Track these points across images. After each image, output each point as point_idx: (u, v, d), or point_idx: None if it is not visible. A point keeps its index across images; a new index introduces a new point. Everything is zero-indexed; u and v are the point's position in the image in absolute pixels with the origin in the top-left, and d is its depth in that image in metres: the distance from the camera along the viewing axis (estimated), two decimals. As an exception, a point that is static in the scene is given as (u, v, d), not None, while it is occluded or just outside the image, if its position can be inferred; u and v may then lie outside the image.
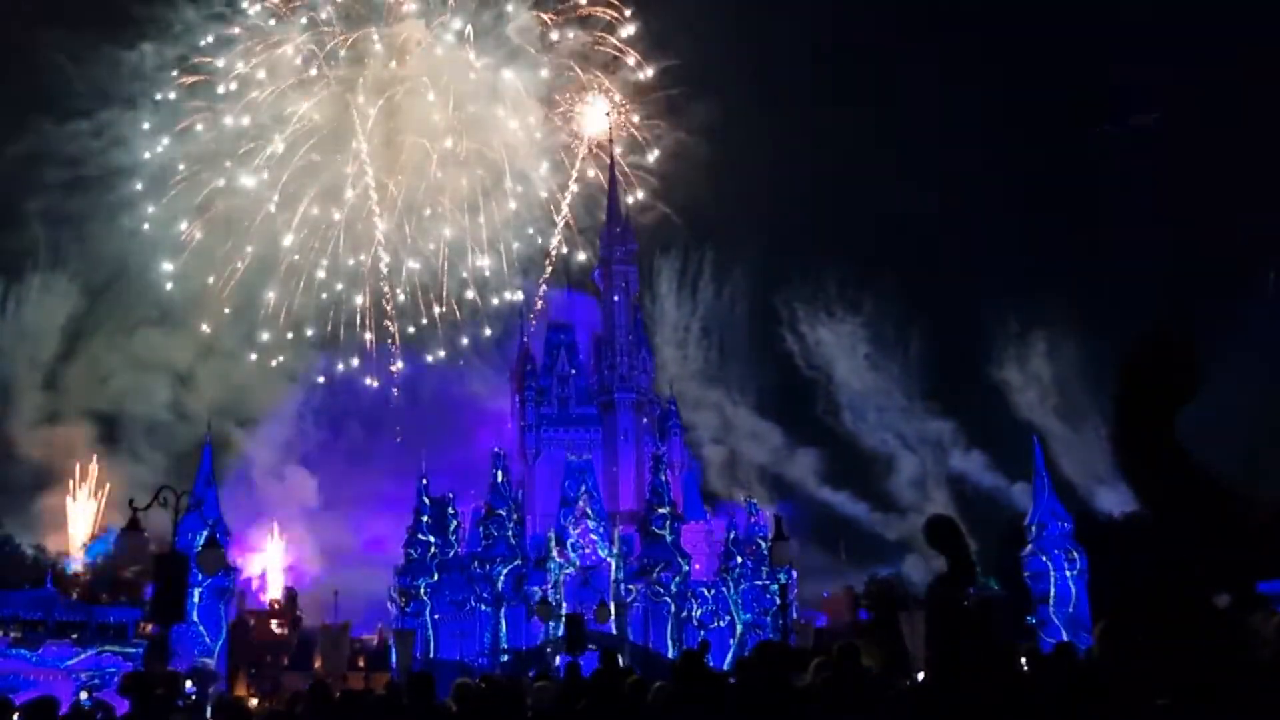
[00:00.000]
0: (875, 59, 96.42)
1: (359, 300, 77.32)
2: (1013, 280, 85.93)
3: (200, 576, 40.46)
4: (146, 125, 76.17)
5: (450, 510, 60.63)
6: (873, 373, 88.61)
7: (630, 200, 74.10)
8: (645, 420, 66.78)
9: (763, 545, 54.32)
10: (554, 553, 55.76)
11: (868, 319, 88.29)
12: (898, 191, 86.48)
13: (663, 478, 59.16)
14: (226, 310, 77.98)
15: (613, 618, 47.34)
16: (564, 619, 36.32)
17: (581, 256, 75.35)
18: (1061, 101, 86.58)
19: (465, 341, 78.04)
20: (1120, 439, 3.01)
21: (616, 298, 68.03)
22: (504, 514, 57.31)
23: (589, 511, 57.08)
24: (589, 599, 48.19)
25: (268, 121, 75.14)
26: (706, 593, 58.20)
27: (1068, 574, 54.62)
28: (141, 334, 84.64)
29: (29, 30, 78.68)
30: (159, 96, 75.26)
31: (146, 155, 75.94)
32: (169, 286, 77.84)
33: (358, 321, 77.62)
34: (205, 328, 79.86)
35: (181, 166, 75.50)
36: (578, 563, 55.94)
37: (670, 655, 49.24)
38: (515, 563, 56.67)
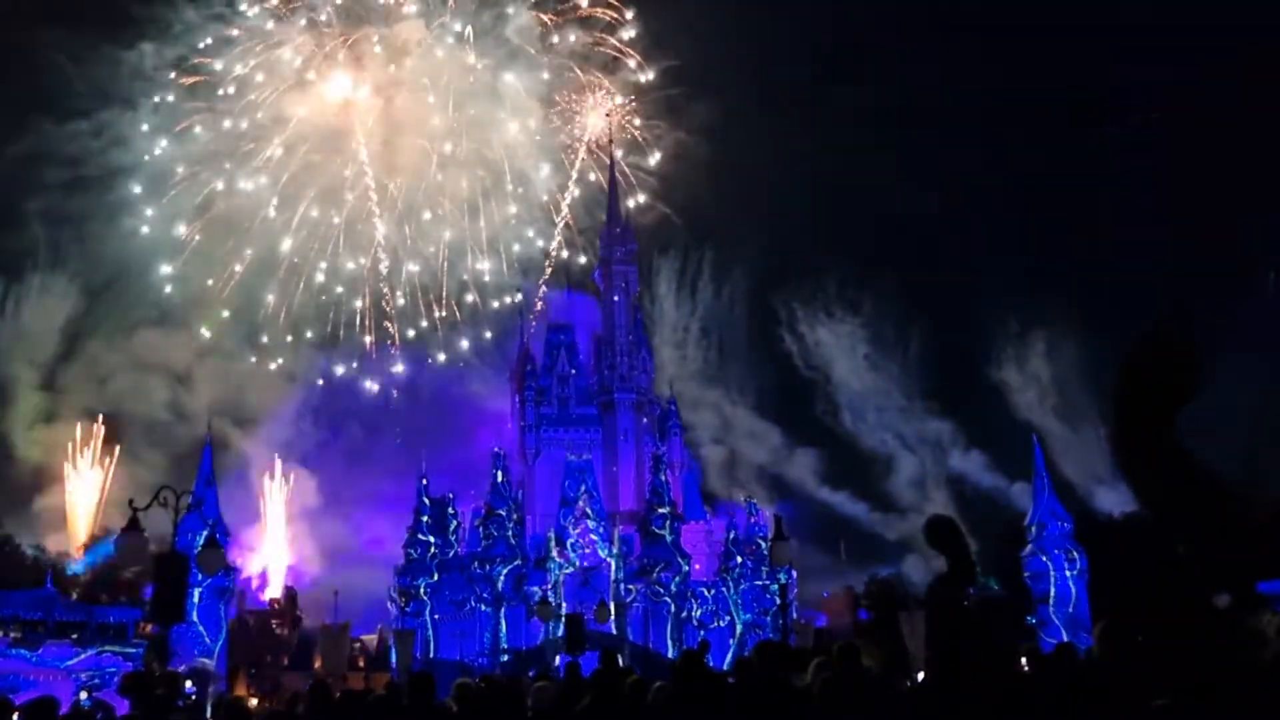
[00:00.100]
0: (875, 59, 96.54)
1: (359, 303, 77.39)
2: (1012, 280, 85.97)
3: (200, 576, 40.43)
4: (145, 127, 76.28)
5: (450, 510, 60.64)
6: (872, 373, 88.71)
7: (631, 204, 74.19)
8: (645, 420, 66.80)
9: (762, 545, 54.30)
10: (554, 553, 55.77)
11: (867, 319, 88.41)
12: (898, 191, 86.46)
13: (663, 478, 59.17)
14: (225, 313, 78.14)
15: (613, 618, 47.33)
16: (564, 619, 36.28)
17: (582, 258, 75.44)
18: (1061, 101, 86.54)
19: (465, 345, 78.08)
20: (1121, 439, 3.01)
21: (616, 298, 68.06)
22: (504, 514, 57.31)
23: (589, 511, 57.08)
24: (589, 599, 48.20)
25: (267, 122, 75.23)
26: (706, 593, 58.21)
27: (1068, 574, 54.57)
28: (141, 334, 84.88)
29: (29, 30, 78.83)
30: (157, 99, 75.35)
31: (146, 157, 76.06)
32: (168, 289, 78.07)
33: (358, 323, 77.67)
34: (205, 331, 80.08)
35: (180, 169, 75.62)
36: (578, 563, 55.95)
37: (670, 655, 49.23)
38: (515, 563, 56.67)
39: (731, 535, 59.70)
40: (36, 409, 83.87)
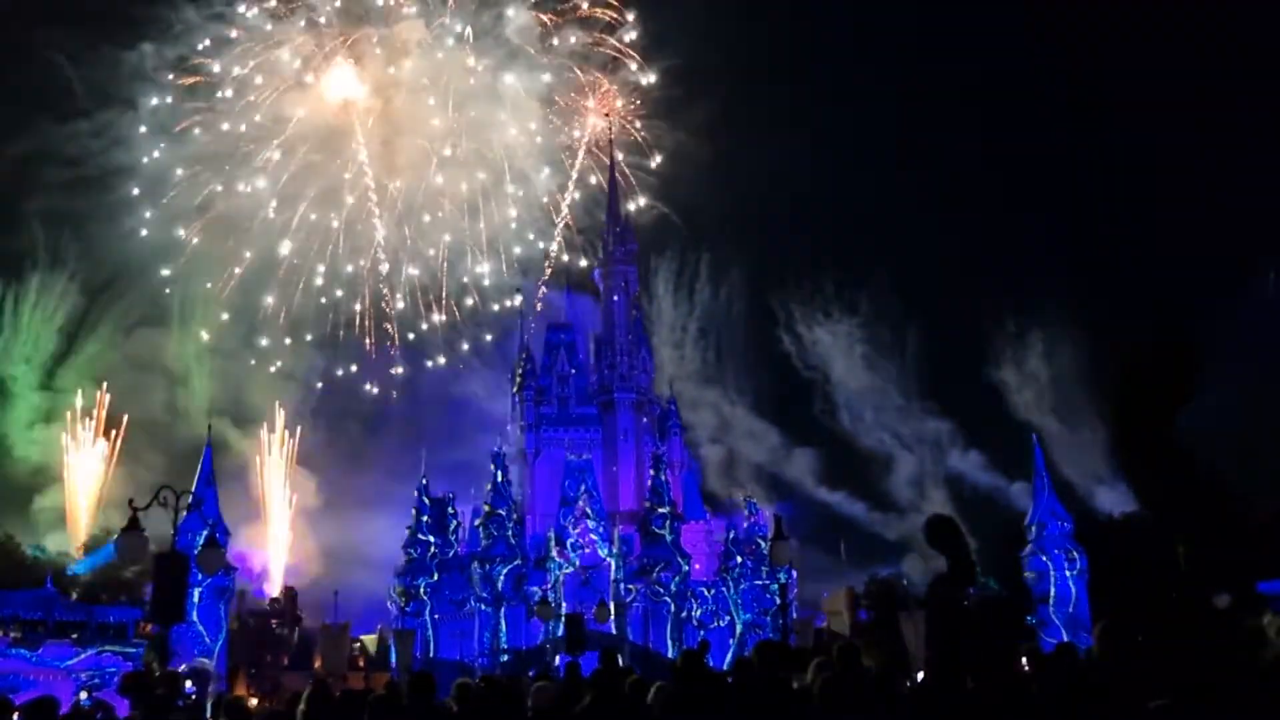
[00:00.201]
0: (874, 59, 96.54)
1: (358, 304, 77.31)
2: (1010, 280, 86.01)
3: (200, 576, 40.46)
4: (144, 128, 76.17)
5: (450, 510, 60.61)
6: (870, 373, 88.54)
7: (632, 207, 74.15)
8: (645, 420, 66.79)
9: (762, 545, 54.32)
10: (554, 553, 55.79)
11: (865, 319, 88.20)
12: (897, 191, 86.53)
13: (662, 477, 59.17)
14: (225, 316, 78.08)
15: (613, 618, 47.38)
16: (564, 619, 36.30)
17: (582, 259, 75.36)
18: (1061, 101, 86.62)
19: (465, 346, 78.00)
20: (1121, 439, 3.01)
21: (616, 297, 68.07)
22: (504, 514, 57.33)
23: (589, 511, 57.09)
24: (589, 599, 48.22)
25: (267, 123, 75.10)
26: (706, 593, 58.22)
27: (1068, 574, 54.55)
28: (141, 334, 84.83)
29: (29, 30, 78.79)
30: (156, 100, 75.24)
31: (145, 158, 75.96)
32: (167, 291, 78.08)
33: (357, 324, 77.57)
34: (204, 334, 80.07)
35: (180, 170, 75.55)
36: (578, 562, 55.97)
37: (670, 655, 49.24)
38: (515, 563, 56.68)
39: (731, 535, 59.72)
40: (36, 409, 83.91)
